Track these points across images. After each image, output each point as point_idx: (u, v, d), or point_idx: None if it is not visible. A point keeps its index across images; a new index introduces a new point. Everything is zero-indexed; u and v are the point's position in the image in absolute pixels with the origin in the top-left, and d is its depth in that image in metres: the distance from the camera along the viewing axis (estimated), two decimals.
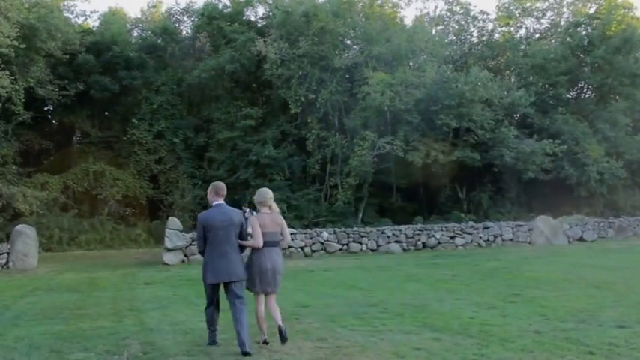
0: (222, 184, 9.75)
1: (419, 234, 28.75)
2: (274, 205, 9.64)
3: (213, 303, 9.39)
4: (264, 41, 36.81)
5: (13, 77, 30.80)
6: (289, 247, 26.47)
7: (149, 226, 37.49)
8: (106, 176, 37.30)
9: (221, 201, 9.47)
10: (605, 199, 38.79)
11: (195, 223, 35.52)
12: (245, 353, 8.63)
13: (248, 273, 9.30)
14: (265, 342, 9.22)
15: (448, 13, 45.42)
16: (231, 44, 39.08)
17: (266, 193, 9.62)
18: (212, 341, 9.38)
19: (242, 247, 9.40)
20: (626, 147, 38.45)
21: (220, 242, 9.10)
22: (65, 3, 38.75)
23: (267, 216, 9.41)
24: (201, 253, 9.47)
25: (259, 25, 42.64)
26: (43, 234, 31.91)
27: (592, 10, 42.31)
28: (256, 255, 9.28)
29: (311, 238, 27.61)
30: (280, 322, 9.23)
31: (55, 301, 15.00)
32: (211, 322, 9.43)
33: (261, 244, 9.16)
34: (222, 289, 9.36)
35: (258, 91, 42.34)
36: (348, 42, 40.75)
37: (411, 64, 39.33)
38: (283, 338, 9.16)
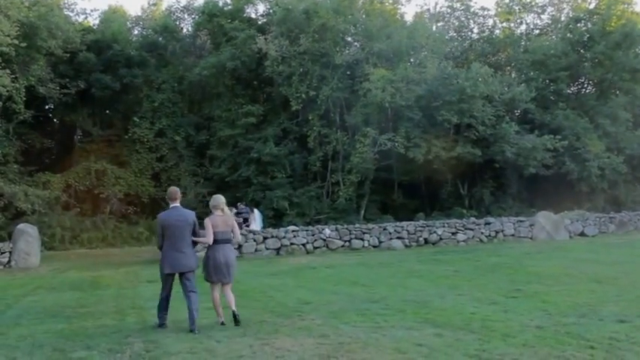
0: (174, 190, 11.35)
1: (420, 230, 28.75)
2: (226, 209, 11.32)
3: (167, 290, 10.89)
4: (265, 38, 36.95)
5: (13, 76, 30.90)
6: (291, 244, 26.69)
7: (151, 224, 37.48)
8: (108, 174, 37.44)
9: (177, 204, 11.01)
10: (606, 194, 38.87)
11: (198, 221, 35.76)
12: (192, 331, 10.19)
13: (205, 266, 10.84)
14: (222, 323, 10.67)
15: (448, 10, 45.50)
16: (232, 42, 39.20)
17: (220, 199, 11.23)
18: (162, 324, 10.78)
19: (195, 243, 10.91)
20: (626, 142, 38.57)
21: (176, 239, 10.62)
22: (65, 1, 38.97)
23: (219, 218, 10.95)
24: (160, 248, 10.92)
25: (260, 22, 42.82)
26: (45, 233, 32.04)
27: (592, 6, 42.25)
28: (211, 251, 10.77)
29: (313, 235, 27.58)
30: (234, 308, 10.64)
31: (58, 299, 15.03)
32: (164, 308, 10.83)
33: (211, 241, 10.68)
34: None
35: (259, 88, 42.41)
36: (349, 39, 40.86)
37: (411, 60, 39.42)
38: (237, 321, 10.55)
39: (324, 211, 36.48)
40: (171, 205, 11.00)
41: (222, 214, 11.07)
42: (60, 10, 36.26)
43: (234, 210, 28.93)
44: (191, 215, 10.95)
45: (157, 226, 11.06)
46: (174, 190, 11.31)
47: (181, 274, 10.77)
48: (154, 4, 48.87)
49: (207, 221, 10.81)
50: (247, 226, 28.39)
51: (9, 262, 24.72)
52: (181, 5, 46.55)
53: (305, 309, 12.16)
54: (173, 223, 10.70)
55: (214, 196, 11.54)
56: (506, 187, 38.12)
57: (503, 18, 45.18)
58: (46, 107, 40.51)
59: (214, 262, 10.72)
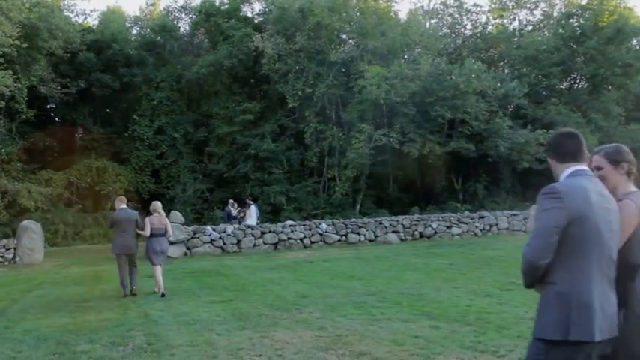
0: (123, 197, 15.86)
1: (416, 224, 28.99)
2: (162, 212, 15.28)
3: (122, 265, 14.65)
4: (261, 37, 37.24)
5: (15, 76, 31.06)
6: (289, 238, 27.01)
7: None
8: (109, 172, 37.60)
9: (124, 206, 15.24)
10: None
11: (197, 217, 36.18)
12: (133, 294, 14.43)
13: (147, 254, 14.78)
14: (159, 293, 14.27)
15: (442, 7, 45.78)
16: (229, 40, 39.49)
17: (157, 205, 15.32)
18: (125, 294, 14.34)
19: (138, 235, 14.87)
20: (619, 137, 38.49)
21: (124, 231, 14.68)
22: (65, 2, 39.21)
23: (156, 218, 14.88)
24: (114, 235, 15.06)
25: (256, 21, 43.10)
26: (49, 229, 32.22)
27: (584, 1, 42.36)
28: (150, 242, 14.73)
29: (310, 230, 27.81)
30: (162, 290, 14.30)
31: (62, 294, 15.33)
32: (124, 280, 14.56)
33: (148, 233, 14.58)
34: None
35: (256, 85, 42.63)
36: (344, 36, 41.11)
37: (405, 57, 39.76)
38: (162, 294, 14.12)
39: (320, 206, 36.73)
40: (120, 207, 15.14)
41: (159, 216, 15.00)
42: (60, 11, 36.50)
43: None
44: (134, 214, 15.13)
45: (111, 221, 15.48)
46: (122, 197, 15.81)
47: (128, 255, 14.68)
48: (152, 4, 49.13)
49: (147, 220, 14.76)
50: (242, 220, 28.71)
51: (13, 258, 24.95)
52: (179, 5, 46.91)
53: (303, 302, 12.34)
54: (122, 220, 14.73)
55: (153, 202, 15.63)
56: (500, 182, 38.31)
57: (496, 14, 45.45)
58: (48, 106, 40.69)
59: (154, 250, 14.67)
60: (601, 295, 3.80)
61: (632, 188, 4.45)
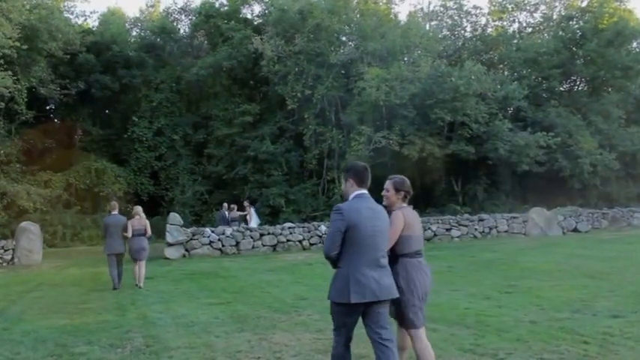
0: (114, 203, 17.57)
1: None
2: (143, 215, 17.14)
3: (114, 265, 16.37)
4: (261, 38, 37.17)
5: (15, 77, 31.07)
6: (288, 240, 27.05)
7: (150, 221, 37.56)
8: (108, 173, 37.53)
9: (115, 212, 16.89)
10: (599, 190, 38.95)
11: (195, 218, 36.13)
12: (115, 288, 16.10)
13: (130, 251, 16.55)
14: (139, 286, 16.32)
15: (442, 9, 45.80)
16: (229, 42, 39.55)
17: (138, 208, 17.42)
18: (114, 288, 16.16)
19: (125, 237, 16.60)
20: (619, 139, 38.66)
21: (113, 233, 16.47)
22: (65, 4, 39.12)
23: (136, 220, 16.73)
24: (104, 237, 16.87)
25: (256, 22, 43.06)
26: (47, 230, 32.22)
27: (584, 4, 42.37)
28: (131, 242, 16.55)
29: (309, 232, 27.77)
30: (142, 280, 16.51)
31: (60, 295, 15.27)
32: (114, 276, 16.31)
33: (130, 235, 16.45)
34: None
35: (255, 87, 42.73)
36: (344, 38, 41.06)
37: (405, 59, 39.68)
38: (138, 287, 16.21)
39: (320, 208, 36.67)
40: (112, 213, 16.83)
41: (139, 218, 16.82)
42: (60, 13, 36.47)
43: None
44: (123, 219, 16.80)
45: (102, 225, 17.79)
46: (114, 203, 17.49)
47: (117, 255, 16.46)
48: (152, 6, 49.20)
49: (129, 222, 16.59)
50: (246, 223, 28.68)
51: (12, 259, 24.98)
52: (178, 6, 46.91)
53: (302, 304, 12.28)
54: (112, 224, 16.48)
55: (135, 206, 17.97)
56: (500, 184, 38.23)
57: (496, 16, 45.39)
58: (47, 108, 40.75)
59: (133, 248, 16.48)
60: (373, 273, 5.93)
61: (404, 204, 6.84)
